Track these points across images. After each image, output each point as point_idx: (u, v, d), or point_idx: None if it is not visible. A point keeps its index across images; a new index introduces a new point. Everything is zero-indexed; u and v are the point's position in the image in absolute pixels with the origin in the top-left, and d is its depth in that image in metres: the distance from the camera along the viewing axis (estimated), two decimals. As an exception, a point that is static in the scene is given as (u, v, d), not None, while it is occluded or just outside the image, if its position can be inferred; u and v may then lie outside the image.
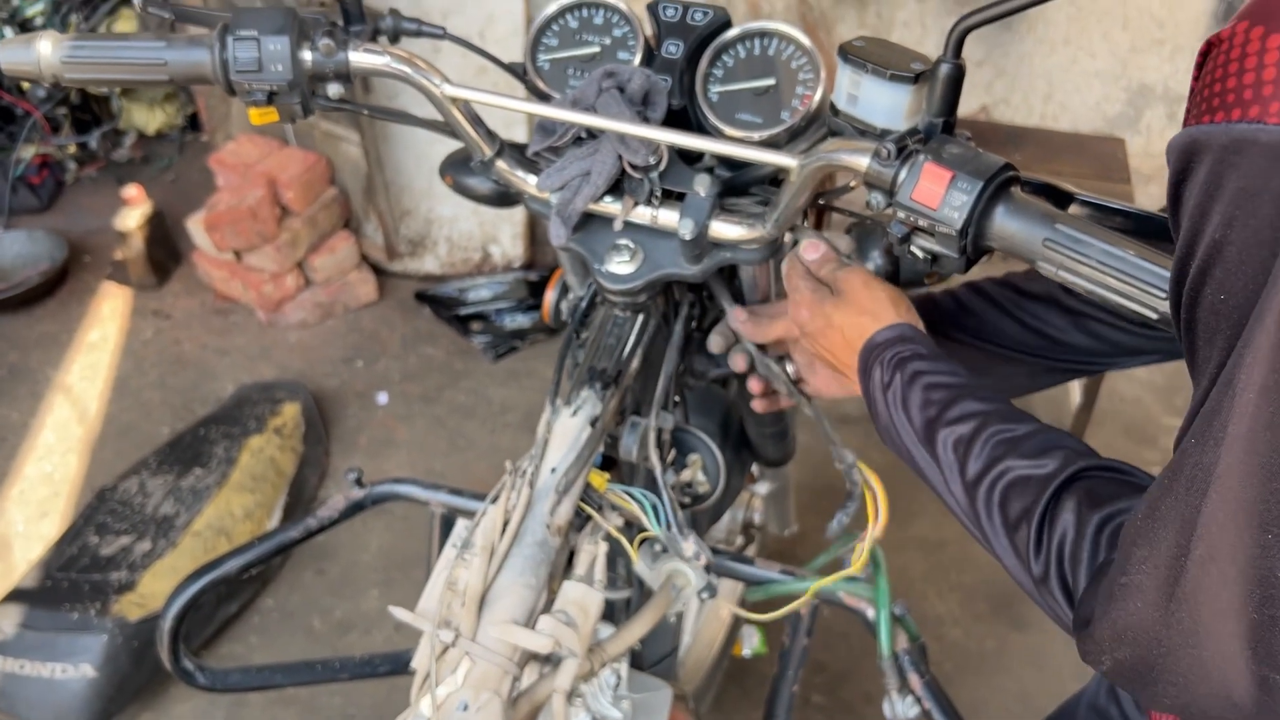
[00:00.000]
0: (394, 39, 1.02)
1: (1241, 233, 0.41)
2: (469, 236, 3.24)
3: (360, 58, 0.95)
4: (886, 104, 0.86)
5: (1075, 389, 2.69)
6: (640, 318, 1.14)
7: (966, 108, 3.17)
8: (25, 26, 3.48)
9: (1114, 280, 0.72)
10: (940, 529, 2.45)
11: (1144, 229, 0.85)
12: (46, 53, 0.93)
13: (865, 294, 0.92)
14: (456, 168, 1.16)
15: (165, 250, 3.27)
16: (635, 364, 1.13)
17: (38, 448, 2.72)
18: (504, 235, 3.23)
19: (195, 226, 3.03)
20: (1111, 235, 0.74)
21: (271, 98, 0.94)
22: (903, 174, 0.80)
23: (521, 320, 3.09)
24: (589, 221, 1.03)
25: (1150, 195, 3.24)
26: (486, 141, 1.02)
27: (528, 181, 1.03)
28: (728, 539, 1.82)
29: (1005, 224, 0.77)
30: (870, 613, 1.17)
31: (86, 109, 3.73)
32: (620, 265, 1.03)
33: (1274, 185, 0.39)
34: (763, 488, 1.71)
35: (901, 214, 0.81)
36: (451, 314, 3.10)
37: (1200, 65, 0.44)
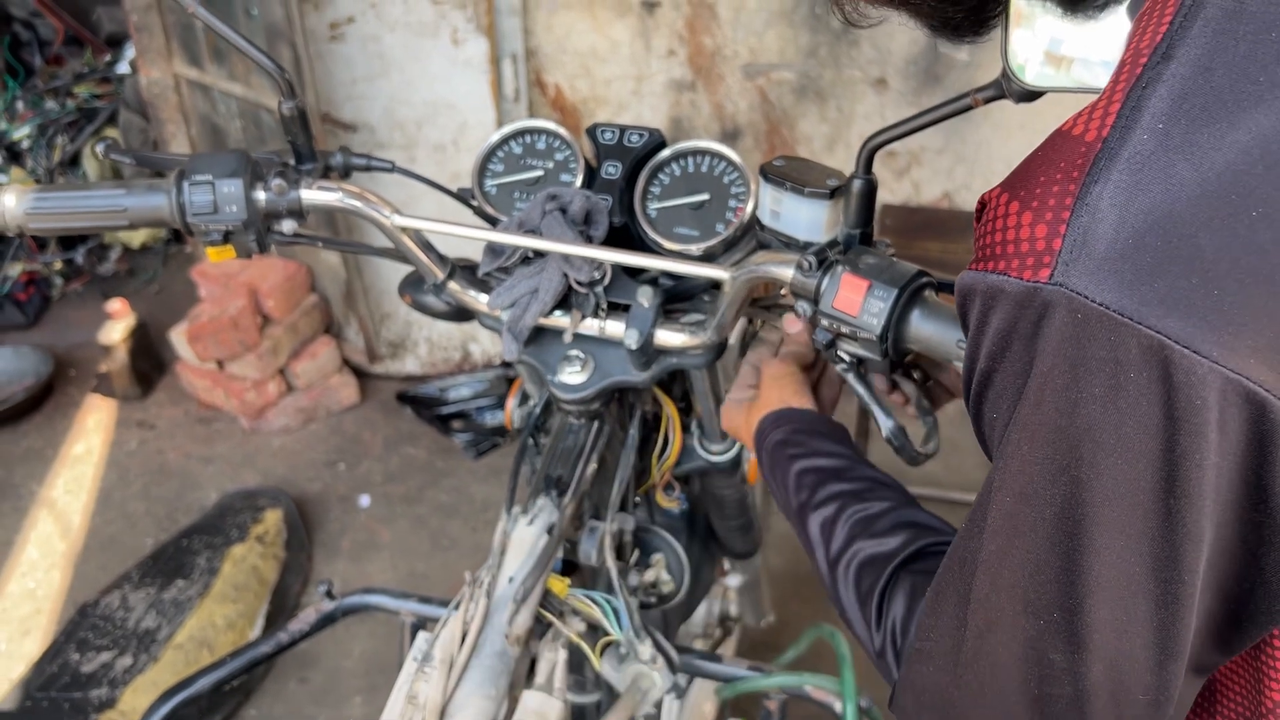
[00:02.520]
0: (345, 174, 1.07)
1: (1002, 364, 0.48)
2: (449, 336, 3.28)
3: (312, 195, 1.00)
4: (806, 219, 0.91)
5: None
6: (595, 424, 1.18)
7: (929, 194, 3.26)
8: (12, 150, 3.58)
9: None
10: (923, 612, 2.44)
11: None
12: (10, 205, 0.97)
13: (769, 384, 0.97)
14: (414, 286, 1.21)
15: (149, 361, 3.31)
16: (591, 469, 1.16)
17: (21, 564, 2.72)
18: (483, 333, 3.28)
19: (178, 338, 3.07)
20: None
21: (228, 237, 0.98)
22: (824, 284, 0.85)
23: (502, 417, 3.11)
24: (541, 335, 1.07)
25: (1114, 271, 3.31)
26: (438, 265, 1.07)
27: (479, 300, 1.07)
28: (705, 632, 1.83)
29: (920, 327, 0.82)
30: (837, 706, 1.18)
31: (72, 225, 3.80)
32: (572, 375, 1.07)
33: (1021, 328, 0.46)
34: (734, 580, 1.72)
35: (825, 321, 0.86)
36: (433, 413, 3.13)
37: (978, 217, 0.51)
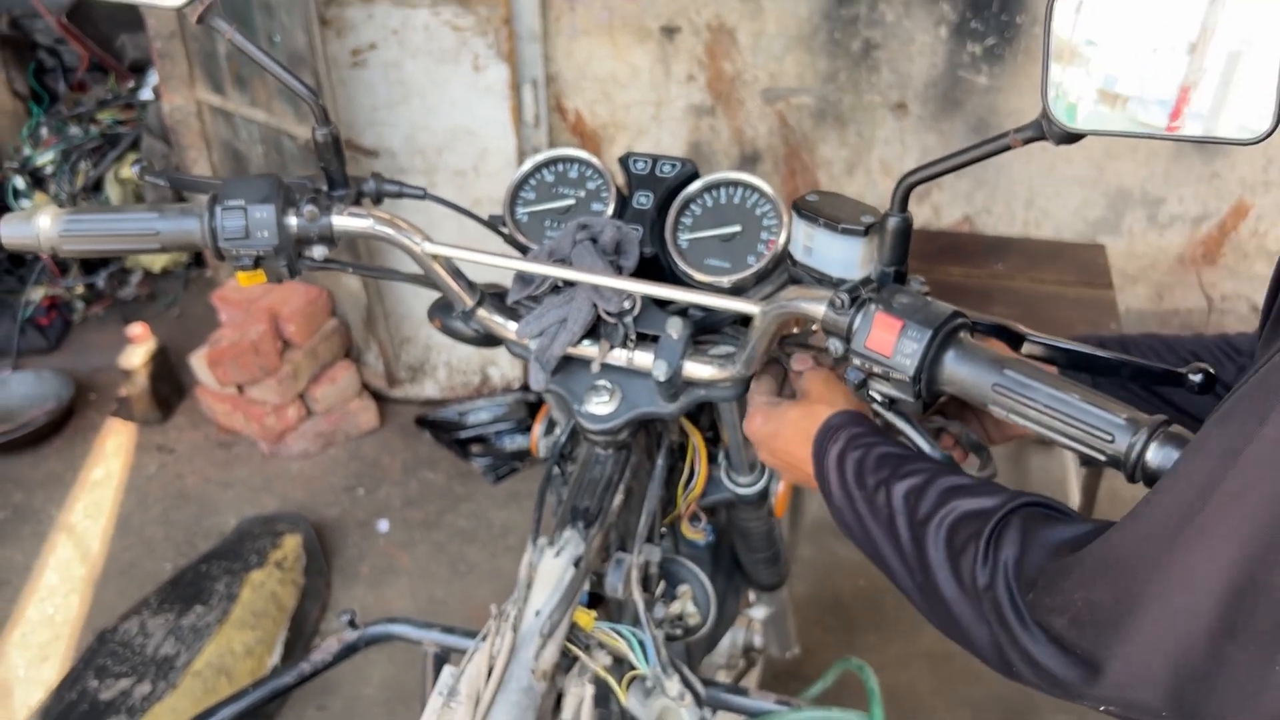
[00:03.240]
0: (377, 201, 1.07)
1: None
2: (468, 360, 3.28)
3: (344, 221, 0.99)
4: (840, 255, 0.90)
5: (1074, 488, 2.69)
6: (622, 455, 1.17)
7: (950, 218, 3.24)
8: (36, 175, 3.61)
9: (1061, 424, 0.75)
10: (945, 640, 2.41)
11: (1094, 366, 0.87)
12: (46, 227, 0.98)
13: (823, 389, 0.96)
14: (444, 311, 1.20)
15: (169, 385, 3.32)
16: (618, 501, 1.15)
17: (40, 589, 2.72)
18: (502, 357, 3.28)
19: (198, 362, 3.08)
20: (1058, 380, 0.76)
21: (259, 261, 0.98)
22: (857, 322, 0.84)
23: (521, 441, 3.11)
24: (569, 364, 1.06)
25: (1137, 295, 3.29)
26: (467, 292, 1.06)
27: (508, 328, 1.06)
28: (729, 663, 1.81)
29: (955, 370, 0.80)
30: (866, 741, 1.16)
31: (94, 250, 3.83)
32: (599, 406, 1.06)
33: None
34: (760, 612, 1.70)
35: (857, 360, 0.84)
36: (452, 437, 3.12)
37: None
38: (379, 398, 3.29)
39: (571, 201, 1.10)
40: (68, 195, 3.61)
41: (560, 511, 1.13)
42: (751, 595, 1.74)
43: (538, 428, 1.32)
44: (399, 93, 2.87)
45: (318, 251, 1.01)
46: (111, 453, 3.21)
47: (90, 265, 3.83)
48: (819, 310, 0.86)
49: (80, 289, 3.79)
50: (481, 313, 1.07)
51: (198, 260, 4.04)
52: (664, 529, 1.29)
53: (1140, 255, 3.23)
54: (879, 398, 0.86)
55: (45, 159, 3.60)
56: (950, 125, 3.09)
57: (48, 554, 2.83)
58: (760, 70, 3.08)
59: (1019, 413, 0.77)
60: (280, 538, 2.62)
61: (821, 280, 0.93)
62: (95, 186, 3.66)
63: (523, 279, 1.05)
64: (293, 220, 0.98)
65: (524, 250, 1.09)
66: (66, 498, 3.03)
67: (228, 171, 3.11)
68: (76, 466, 3.15)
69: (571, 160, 1.12)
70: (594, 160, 1.11)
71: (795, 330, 1.05)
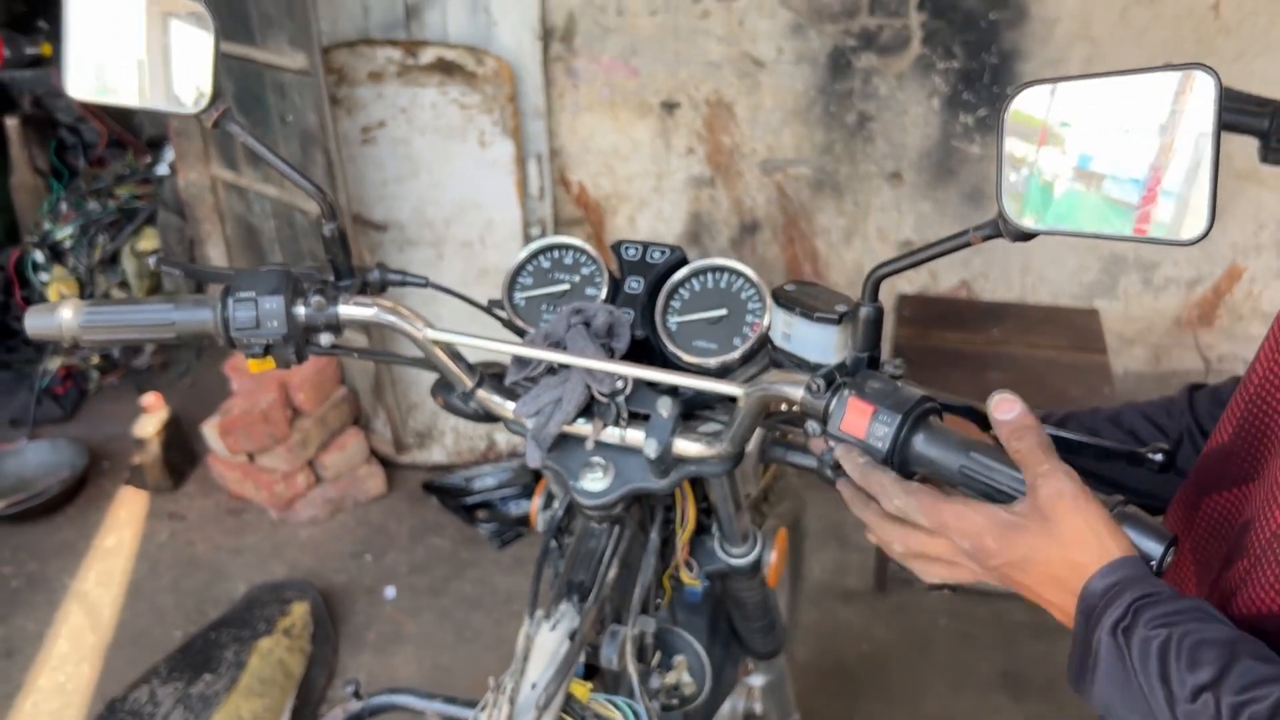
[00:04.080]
0: (381, 289, 1.13)
1: None
2: (474, 427, 3.33)
3: (349, 310, 1.05)
4: (816, 341, 0.96)
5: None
6: (616, 529, 1.21)
7: (947, 284, 3.30)
8: (55, 249, 3.70)
9: None
10: (949, 706, 2.43)
11: (1059, 446, 0.92)
12: (68, 318, 1.03)
13: (1078, 520, 0.76)
14: (446, 389, 1.25)
15: (182, 454, 3.37)
16: (612, 574, 1.18)
17: (51, 658, 2.75)
18: (508, 424, 3.33)
19: (210, 431, 3.13)
20: None
21: (269, 349, 1.04)
22: (832, 406, 0.89)
23: (526, 506, 3.14)
24: (564, 441, 1.11)
25: (1135, 358, 3.33)
26: (467, 374, 1.12)
27: (506, 408, 1.11)
28: (730, 730, 1.82)
29: (925, 451, 0.85)
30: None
31: (110, 320, 3.91)
32: (594, 482, 1.10)
33: None
34: (758, 679, 1.73)
35: (833, 443, 0.89)
36: (458, 503, 3.16)
37: None
38: (387, 464, 3.34)
39: (567, 286, 1.16)
40: (85, 269, 3.70)
41: (556, 585, 1.17)
42: (750, 663, 1.77)
43: (537, 500, 1.36)
44: (408, 168, 2.96)
45: (324, 339, 1.06)
46: (124, 521, 3.25)
47: (106, 335, 3.91)
48: (797, 393, 0.92)
49: (96, 359, 3.86)
50: (481, 394, 1.12)
51: (211, 329, 4.12)
52: (659, 600, 1.32)
53: (1136, 318, 3.28)
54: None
55: (64, 233, 3.70)
56: (945, 193, 3.16)
57: (60, 622, 2.86)
58: (758, 143, 3.16)
59: (986, 494, 0.82)
60: (288, 605, 2.66)
61: (800, 365, 0.98)
62: (112, 260, 3.75)
63: (520, 361, 1.10)
64: (301, 310, 1.03)
65: (521, 333, 1.14)
66: (79, 566, 3.07)
67: (241, 245, 3.20)
68: (89, 535, 3.19)
69: (567, 247, 1.18)
70: (588, 247, 1.17)
71: (778, 410, 1.10)
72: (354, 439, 3.24)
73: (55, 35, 4.07)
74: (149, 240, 3.75)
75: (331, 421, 3.20)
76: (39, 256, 3.71)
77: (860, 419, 0.87)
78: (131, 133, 4.04)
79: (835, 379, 0.90)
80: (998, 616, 2.66)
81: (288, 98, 2.73)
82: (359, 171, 2.94)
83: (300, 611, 2.65)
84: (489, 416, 1.22)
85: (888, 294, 3.27)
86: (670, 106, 3.14)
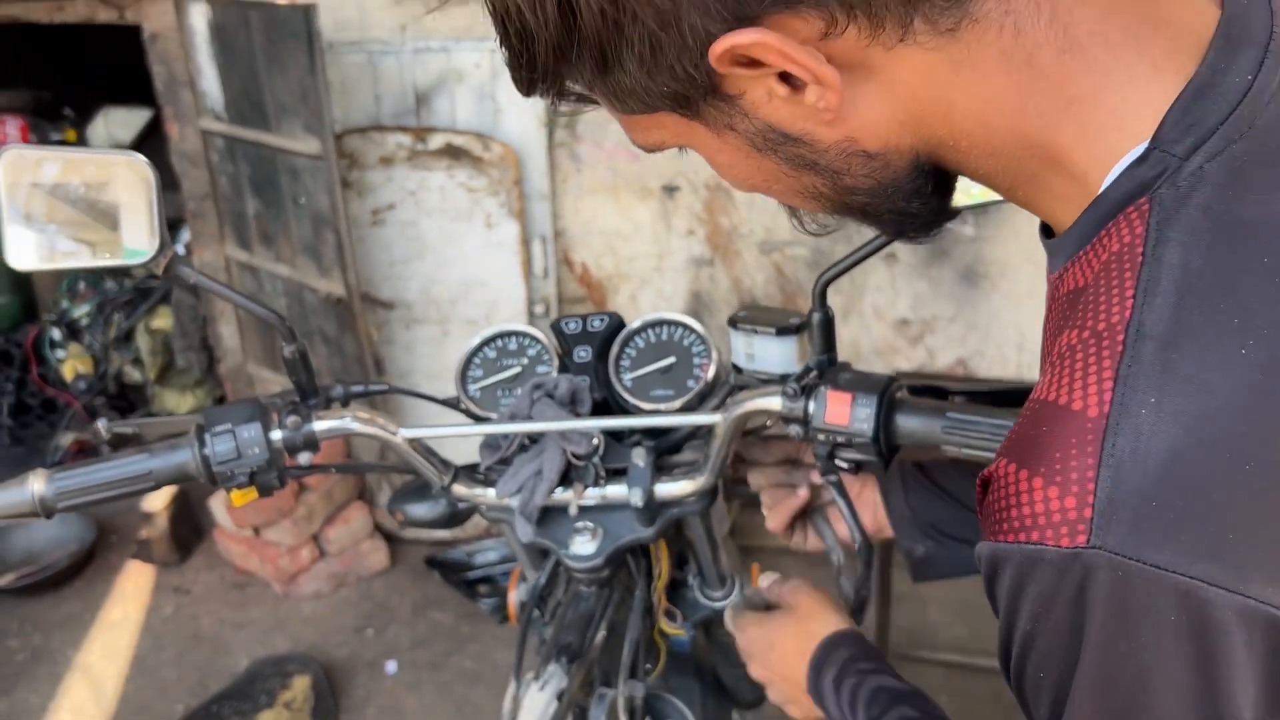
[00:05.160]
0: (345, 403, 1.14)
1: (1047, 625, 0.51)
2: (478, 502, 3.37)
3: (325, 425, 1.06)
4: (779, 355, 1.05)
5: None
6: (604, 592, 1.25)
7: (944, 361, 3.36)
8: (72, 328, 3.80)
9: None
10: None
11: (1013, 399, 0.98)
12: (39, 489, 1.00)
13: (812, 603, 1.03)
14: (404, 499, 1.25)
15: (188, 528, 3.42)
16: (600, 636, 1.22)
17: (53, 731, 2.76)
18: (511, 499, 3.36)
19: (217, 505, 3.18)
20: (994, 410, 0.90)
21: (253, 478, 1.04)
22: (811, 405, 0.96)
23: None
24: (546, 514, 1.16)
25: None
26: (442, 470, 1.15)
27: (486, 495, 1.15)
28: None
29: (906, 422, 0.93)
30: None
31: (123, 396, 3.99)
32: (584, 545, 1.15)
33: (1064, 589, 0.49)
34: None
35: (821, 436, 0.97)
36: (460, 578, 3.19)
37: (982, 492, 0.56)
38: (390, 538, 3.37)
39: (518, 370, 1.21)
40: (100, 346, 3.79)
41: (544, 648, 1.20)
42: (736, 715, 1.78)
43: (513, 595, 1.37)
44: (415, 248, 3.06)
45: (304, 457, 1.06)
46: (130, 594, 3.28)
47: (119, 411, 3.99)
48: (775, 403, 0.99)
49: (107, 434, 3.92)
50: (458, 487, 1.15)
51: (221, 404, 4.19)
52: (649, 665, 1.35)
53: (1130, 395, 3.32)
54: (847, 465, 0.98)
55: (81, 311, 3.80)
56: (939, 272, 3.23)
57: (63, 696, 2.88)
58: (756, 224, 3.25)
59: (970, 445, 0.89)
60: (290, 679, 2.67)
61: (767, 381, 1.05)
62: (126, 337, 3.85)
63: (490, 446, 1.15)
64: (278, 434, 1.04)
65: (483, 422, 1.18)
66: (84, 639, 3.09)
67: (253, 323, 3.28)
68: (95, 608, 3.22)
69: (509, 334, 1.23)
70: (530, 330, 1.22)
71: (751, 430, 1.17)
72: (358, 513, 3.28)
73: (81, 121, 4.22)
74: (163, 319, 3.84)
75: (336, 496, 3.25)
76: (56, 334, 3.80)
77: (841, 408, 0.94)
78: (150, 214, 4.16)
79: (808, 380, 0.97)
80: (996, 694, 2.66)
81: (300, 181, 2.83)
82: (368, 252, 3.03)
83: (302, 685, 2.67)
84: (451, 520, 1.24)
85: (885, 370, 3.33)
86: (671, 190, 3.24)
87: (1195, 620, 0.46)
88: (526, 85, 0.61)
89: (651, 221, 3.29)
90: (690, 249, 3.32)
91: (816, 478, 1.14)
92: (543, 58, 0.58)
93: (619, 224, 3.30)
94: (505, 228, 3.05)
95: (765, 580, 1.13)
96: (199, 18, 2.82)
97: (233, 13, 2.75)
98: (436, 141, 2.97)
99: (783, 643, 1.03)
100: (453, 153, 2.98)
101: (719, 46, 0.53)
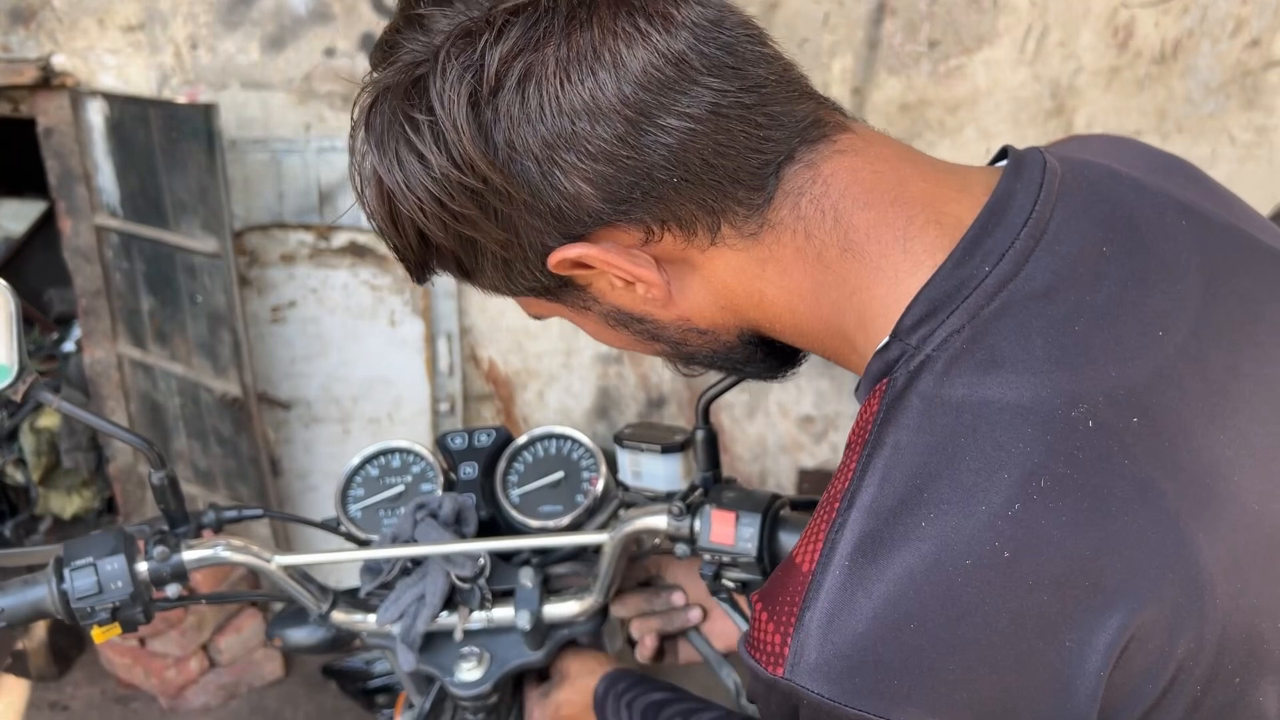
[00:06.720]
0: (217, 529, 1.09)
1: (765, 712, 0.62)
2: (379, 606, 3.27)
3: (195, 555, 1.01)
4: (664, 472, 1.05)
5: None
6: (491, 718, 1.21)
7: (847, 457, 3.40)
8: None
9: None
10: None
11: None
12: None
13: (578, 662, 1.10)
14: (283, 624, 1.20)
15: (69, 639, 3.24)
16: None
17: None
18: (414, 603, 3.27)
19: (100, 614, 3.03)
20: None
21: (115, 613, 0.97)
22: (696, 524, 0.96)
23: (430, 690, 3.06)
24: (431, 640, 1.12)
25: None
26: (320, 597, 1.11)
27: (367, 621, 1.11)
28: None
29: (790, 541, 0.93)
30: None
31: (3, 498, 3.80)
32: (469, 672, 1.11)
33: (775, 700, 0.59)
34: None
35: (707, 556, 0.96)
36: (358, 688, 3.06)
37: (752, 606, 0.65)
38: (286, 646, 3.24)
39: (401, 488, 1.18)
40: (-20, 445, 3.62)
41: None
42: None
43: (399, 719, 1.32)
44: (316, 346, 3.01)
45: (171, 590, 1.01)
46: (1, 712, 3.08)
47: (-2, 513, 3.80)
48: (661, 522, 0.98)
49: (-14, 539, 3.73)
50: (337, 614, 1.11)
51: (109, 507, 4.02)
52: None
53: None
54: (733, 584, 0.98)
55: (-40, 411, 3.63)
56: (841, 370, 3.28)
57: (-81, 828, 2.67)
58: (662, 322, 3.28)
59: None
60: (171, 802, 2.52)
61: (654, 498, 1.05)
62: (10, 436, 3.68)
63: (371, 570, 1.11)
64: (143, 566, 0.99)
65: (364, 544, 1.15)
66: (-54, 763, 2.89)
67: (145, 422, 3.17)
68: (-39, 728, 3.02)
69: (392, 451, 1.20)
70: (414, 446, 1.19)
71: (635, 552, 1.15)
72: (251, 621, 3.15)
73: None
74: (49, 417, 3.69)
75: (229, 604, 3.12)
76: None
77: (726, 527, 0.94)
78: (39, 309, 4.04)
79: (692, 499, 0.97)
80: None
81: (198, 279, 2.77)
82: (268, 349, 2.97)
83: (183, 809, 2.51)
84: (334, 645, 1.19)
85: (789, 470, 3.35)
86: (577, 288, 3.26)
87: None
88: (413, 278, 0.72)
89: (559, 319, 3.29)
90: (598, 347, 3.33)
91: (678, 600, 1.15)
92: (416, 265, 0.69)
93: (526, 321, 3.29)
94: (410, 325, 3.02)
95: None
96: (96, 114, 2.78)
97: (131, 110, 2.71)
98: (340, 240, 2.95)
99: (565, 709, 1.07)
100: (356, 250, 2.96)
101: (553, 258, 0.64)
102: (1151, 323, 0.60)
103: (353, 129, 0.65)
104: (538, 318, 0.77)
